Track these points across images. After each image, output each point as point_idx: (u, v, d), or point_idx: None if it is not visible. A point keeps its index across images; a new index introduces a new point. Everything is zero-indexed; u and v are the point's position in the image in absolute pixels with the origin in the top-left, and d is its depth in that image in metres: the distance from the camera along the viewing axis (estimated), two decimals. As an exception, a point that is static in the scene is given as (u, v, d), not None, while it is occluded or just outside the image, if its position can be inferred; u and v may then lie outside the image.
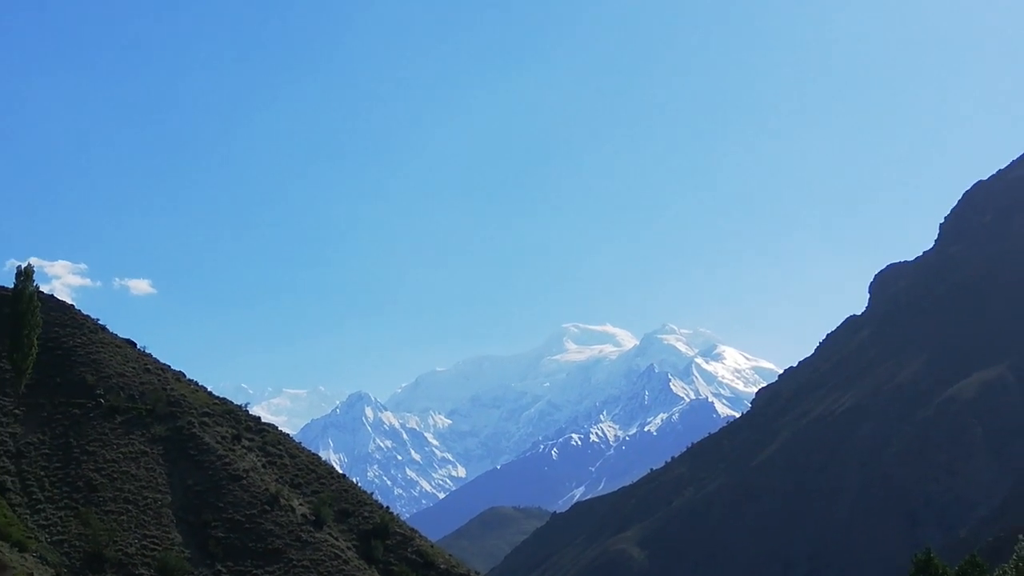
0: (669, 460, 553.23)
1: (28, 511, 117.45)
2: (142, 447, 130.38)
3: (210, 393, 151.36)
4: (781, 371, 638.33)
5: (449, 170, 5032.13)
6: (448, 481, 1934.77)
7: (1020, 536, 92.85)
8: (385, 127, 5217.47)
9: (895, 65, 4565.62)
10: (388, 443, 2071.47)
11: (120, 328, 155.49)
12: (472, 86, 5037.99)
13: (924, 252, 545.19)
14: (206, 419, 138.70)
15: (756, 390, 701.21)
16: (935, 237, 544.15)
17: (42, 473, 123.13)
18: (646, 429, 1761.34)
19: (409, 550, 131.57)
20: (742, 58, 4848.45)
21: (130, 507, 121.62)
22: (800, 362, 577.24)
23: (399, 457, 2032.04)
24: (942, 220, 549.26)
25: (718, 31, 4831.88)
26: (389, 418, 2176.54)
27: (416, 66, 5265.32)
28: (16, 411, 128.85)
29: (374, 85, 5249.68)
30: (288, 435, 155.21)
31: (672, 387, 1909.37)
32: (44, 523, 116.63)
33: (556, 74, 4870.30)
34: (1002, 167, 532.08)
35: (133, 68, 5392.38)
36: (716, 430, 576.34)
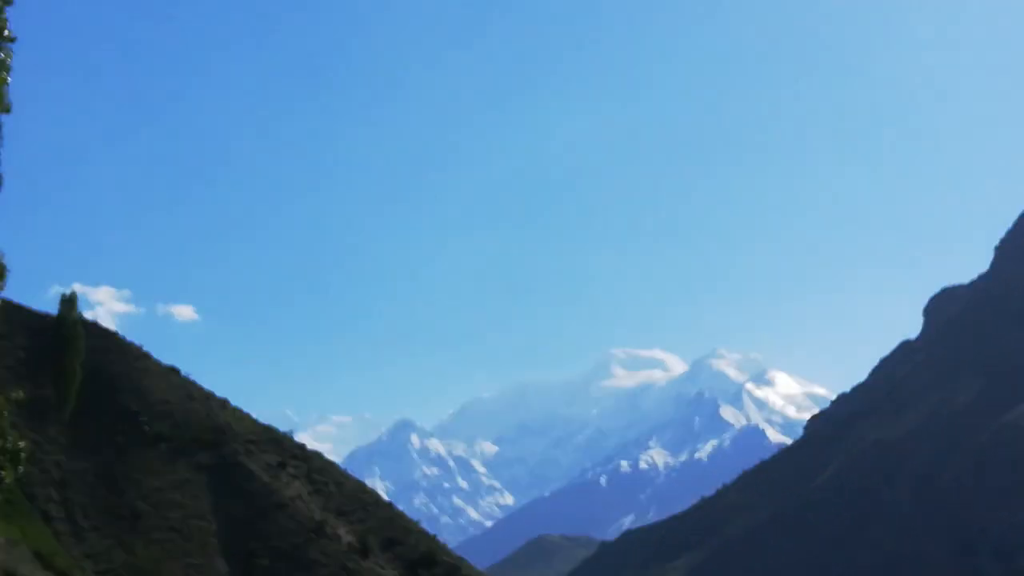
0: (720, 487, 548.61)
1: (73, 540, 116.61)
2: (187, 475, 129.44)
3: (255, 420, 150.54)
4: (834, 397, 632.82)
5: (495, 194, 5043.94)
6: (495, 509, 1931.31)
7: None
8: (428, 153, 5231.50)
9: (951, 83, 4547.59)
10: (434, 470, 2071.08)
11: (164, 355, 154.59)
12: (517, 107, 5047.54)
13: (979, 275, 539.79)
14: (251, 446, 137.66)
15: (808, 416, 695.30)
16: (990, 260, 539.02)
17: (87, 501, 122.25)
18: (696, 456, 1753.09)
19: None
20: (794, 80, 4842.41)
21: (174, 535, 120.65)
22: (853, 387, 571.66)
23: (446, 485, 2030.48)
24: (997, 243, 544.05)
25: (770, 52, 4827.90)
26: (435, 445, 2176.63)
27: (457, 87, 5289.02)
28: (60, 439, 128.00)
29: (418, 110, 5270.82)
30: (334, 462, 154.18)
31: (722, 413, 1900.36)
32: (89, 552, 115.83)
33: (604, 94, 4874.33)
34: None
35: (181, 98, 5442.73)
36: (768, 457, 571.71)
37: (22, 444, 29.32)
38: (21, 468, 29.75)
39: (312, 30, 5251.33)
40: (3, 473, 29.23)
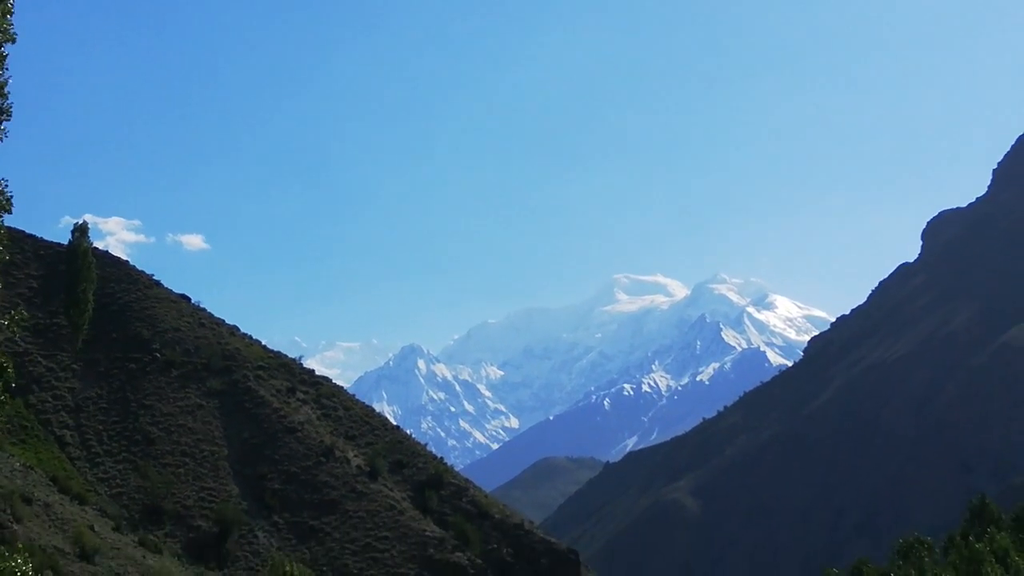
0: (721, 409, 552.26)
1: (87, 465, 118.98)
2: (198, 401, 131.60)
3: (264, 347, 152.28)
4: (833, 319, 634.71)
5: (499, 123, 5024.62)
6: (501, 432, 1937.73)
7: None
8: (434, 84, 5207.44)
9: (947, 11, 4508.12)
10: (441, 395, 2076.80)
11: (174, 283, 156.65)
12: (522, 39, 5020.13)
13: (977, 198, 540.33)
14: (261, 372, 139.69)
15: (808, 339, 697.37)
16: (988, 183, 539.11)
17: (100, 427, 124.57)
18: (698, 379, 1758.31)
19: (463, 500, 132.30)
20: (793, 13, 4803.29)
21: (187, 460, 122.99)
22: (852, 310, 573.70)
23: (452, 409, 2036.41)
24: (995, 166, 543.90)
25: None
26: (442, 370, 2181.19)
27: (464, 21, 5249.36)
28: (74, 366, 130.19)
29: (423, 44, 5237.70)
30: (342, 388, 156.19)
31: (724, 336, 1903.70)
32: (103, 476, 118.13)
33: (607, 23, 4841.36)
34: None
35: (187, 26, 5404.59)
36: (768, 379, 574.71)
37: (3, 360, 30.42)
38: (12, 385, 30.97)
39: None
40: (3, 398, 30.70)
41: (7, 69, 30.11)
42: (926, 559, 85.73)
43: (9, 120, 30.21)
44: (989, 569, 76.64)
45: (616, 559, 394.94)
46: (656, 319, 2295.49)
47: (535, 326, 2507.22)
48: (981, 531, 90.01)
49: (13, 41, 30.27)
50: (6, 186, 30.31)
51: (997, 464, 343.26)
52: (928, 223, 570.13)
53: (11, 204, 30.51)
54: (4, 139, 30.22)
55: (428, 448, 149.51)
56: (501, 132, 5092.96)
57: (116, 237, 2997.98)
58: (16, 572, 35.22)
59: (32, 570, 35.62)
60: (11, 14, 30.16)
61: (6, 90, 30.09)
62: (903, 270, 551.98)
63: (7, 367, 30.47)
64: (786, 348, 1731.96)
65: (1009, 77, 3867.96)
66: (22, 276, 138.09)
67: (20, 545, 36.83)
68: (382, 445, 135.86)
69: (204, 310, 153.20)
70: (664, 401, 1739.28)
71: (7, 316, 31.87)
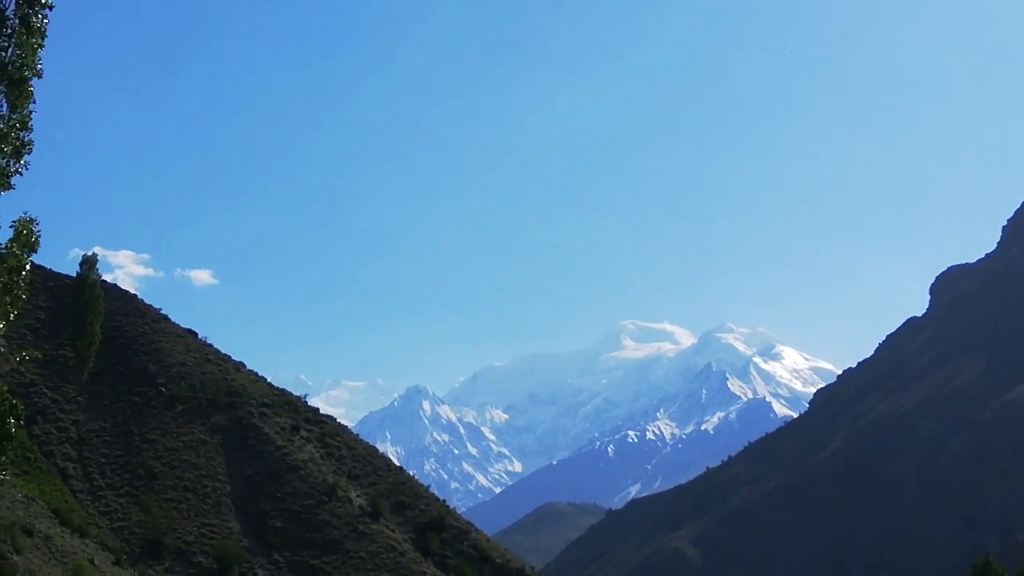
0: (726, 459, 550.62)
1: (89, 497, 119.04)
2: (202, 436, 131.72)
3: (270, 384, 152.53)
4: (840, 372, 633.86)
5: (509, 167, 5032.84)
6: (504, 476, 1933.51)
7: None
8: (445, 129, 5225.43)
9: (959, 64, 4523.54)
10: (445, 437, 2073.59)
11: (182, 318, 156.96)
12: (529, 83, 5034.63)
13: (987, 254, 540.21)
14: (265, 409, 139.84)
15: (814, 390, 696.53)
16: (998, 239, 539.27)
17: (103, 460, 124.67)
18: (703, 428, 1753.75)
19: (465, 543, 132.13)
20: (804, 52, 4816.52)
21: (189, 495, 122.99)
22: (859, 363, 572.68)
23: (456, 451, 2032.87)
24: (1005, 223, 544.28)
25: (778, 31, 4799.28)
26: (446, 412, 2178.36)
27: (476, 67, 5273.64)
28: (79, 398, 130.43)
29: (435, 88, 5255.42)
30: (346, 427, 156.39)
31: (730, 386, 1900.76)
32: (105, 509, 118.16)
33: (618, 72, 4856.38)
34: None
35: (201, 62, 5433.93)
36: (773, 430, 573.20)
37: (14, 401, 30.85)
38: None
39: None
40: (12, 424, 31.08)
41: (34, 103, 30.84)
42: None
43: (30, 154, 30.80)
44: (991, 627, 76.49)
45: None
46: (662, 367, 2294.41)
47: (541, 370, 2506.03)
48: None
49: (39, 76, 30.97)
50: (36, 225, 30.91)
51: (1001, 521, 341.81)
52: (937, 277, 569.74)
53: (39, 243, 31.06)
54: (25, 171, 30.84)
55: (431, 490, 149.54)
56: (512, 177, 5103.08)
57: (125, 270, 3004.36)
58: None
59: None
60: (42, 48, 30.83)
61: (30, 124, 30.72)
62: (911, 324, 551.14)
63: (19, 408, 30.83)
64: (792, 399, 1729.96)
65: (1021, 132, 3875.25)
66: (30, 307, 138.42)
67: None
68: (385, 486, 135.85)
69: (211, 345, 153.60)
70: (668, 449, 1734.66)
71: (18, 353, 32.49)
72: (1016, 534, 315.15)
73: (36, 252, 31.20)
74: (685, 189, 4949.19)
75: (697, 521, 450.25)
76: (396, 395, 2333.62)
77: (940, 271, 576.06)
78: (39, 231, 31.15)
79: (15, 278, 30.62)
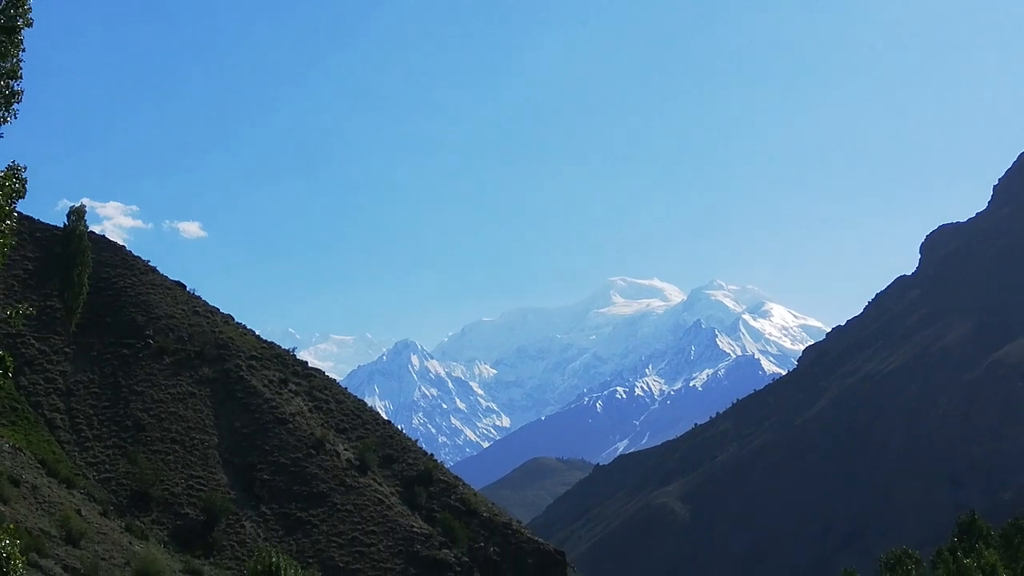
0: (714, 416, 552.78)
1: (76, 448, 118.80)
2: (190, 388, 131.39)
3: (258, 337, 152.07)
4: (829, 330, 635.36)
5: (501, 122, 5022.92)
6: (492, 431, 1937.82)
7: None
8: (435, 83, 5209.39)
9: (953, 24, 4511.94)
10: (433, 391, 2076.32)
11: (170, 270, 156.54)
12: (524, 40, 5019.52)
13: (977, 213, 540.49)
14: (254, 362, 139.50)
15: (803, 348, 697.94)
16: (988, 198, 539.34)
17: (91, 412, 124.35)
18: (691, 384, 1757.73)
19: (452, 498, 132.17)
20: (795, 21, 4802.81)
21: (177, 447, 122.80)
22: (848, 321, 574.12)
23: (444, 406, 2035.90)
24: (996, 182, 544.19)
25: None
26: (435, 367, 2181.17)
27: (466, 20, 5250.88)
28: (66, 350, 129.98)
29: (424, 42, 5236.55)
30: (334, 381, 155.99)
31: (719, 343, 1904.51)
32: (92, 461, 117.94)
33: (608, 27, 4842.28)
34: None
35: (190, 13, 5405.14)
36: (762, 387, 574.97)
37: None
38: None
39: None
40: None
41: (24, 51, 30.78)
42: (913, 573, 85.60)
43: (20, 103, 30.80)
44: (976, 584, 76.55)
45: (603, 561, 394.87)
46: (651, 323, 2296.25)
47: (530, 326, 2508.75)
48: (969, 546, 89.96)
49: (30, 25, 31.10)
50: (23, 172, 30.88)
51: (987, 479, 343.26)
52: (927, 236, 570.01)
53: (25, 190, 31.02)
54: (13, 121, 30.86)
55: (419, 444, 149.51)
56: (503, 131, 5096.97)
57: (113, 222, 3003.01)
58: (4, 552, 35.11)
59: (19, 550, 35.51)
60: None
61: (20, 73, 30.67)
62: (900, 283, 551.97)
63: (7, 359, 30.66)
64: (780, 357, 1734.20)
65: (1013, 93, 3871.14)
66: (17, 258, 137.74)
67: (11, 526, 36.58)
68: (373, 439, 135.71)
69: (199, 298, 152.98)
70: (656, 405, 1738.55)
71: (11, 308, 32.20)
72: (1002, 492, 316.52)
73: (23, 198, 31.06)
74: (677, 146, 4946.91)
75: (685, 477, 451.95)
76: (385, 349, 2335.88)
77: (930, 230, 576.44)
78: (26, 178, 31.08)
79: (0, 226, 30.48)
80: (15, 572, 34.97)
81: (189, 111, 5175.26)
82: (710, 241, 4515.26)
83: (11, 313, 32.34)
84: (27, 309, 32.88)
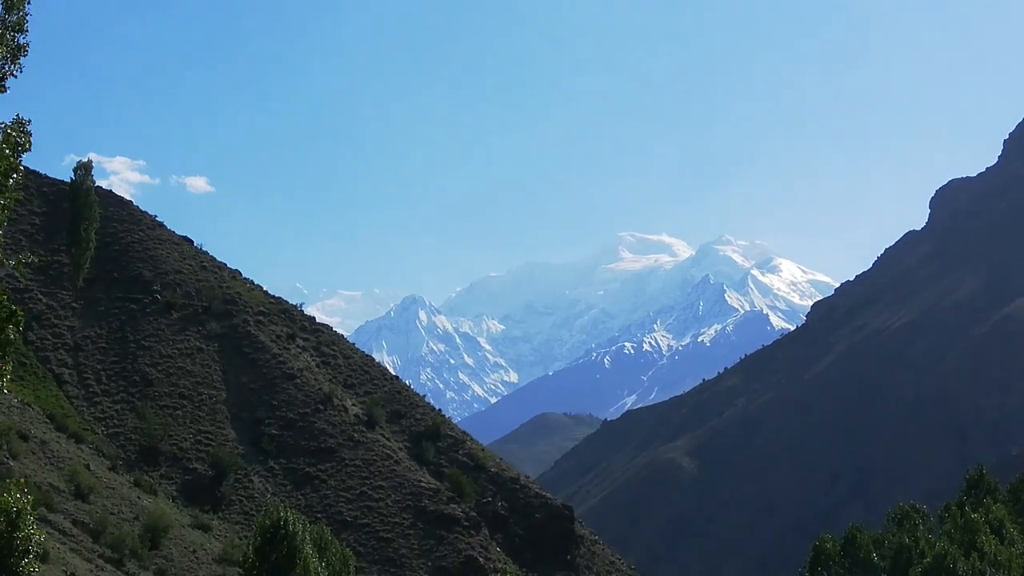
0: (722, 371, 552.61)
1: (85, 404, 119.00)
2: (198, 344, 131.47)
3: (265, 292, 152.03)
4: (837, 285, 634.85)
5: (509, 78, 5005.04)
6: (500, 386, 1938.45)
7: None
8: (444, 35, 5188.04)
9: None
10: (441, 347, 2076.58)
11: (177, 225, 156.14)
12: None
13: (987, 168, 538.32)
14: (261, 318, 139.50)
15: (811, 303, 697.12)
16: (999, 153, 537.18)
17: (99, 367, 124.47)
18: (699, 340, 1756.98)
19: (460, 453, 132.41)
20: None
21: (185, 403, 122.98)
22: (857, 276, 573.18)
23: (452, 361, 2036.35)
24: (1006, 136, 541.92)
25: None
26: (443, 322, 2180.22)
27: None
28: (74, 304, 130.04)
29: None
30: (342, 336, 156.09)
31: (727, 298, 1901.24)
32: (100, 416, 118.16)
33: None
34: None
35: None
36: (770, 342, 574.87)
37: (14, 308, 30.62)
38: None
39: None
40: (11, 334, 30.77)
41: (29, 3, 30.54)
42: (920, 527, 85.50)
43: (26, 56, 30.64)
44: (984, 539, 76.48)
45: (611, 516, 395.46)
46: (660, 278, 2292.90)
47: (537, 281, 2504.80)
48: (977, 501, 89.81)
49: None
50: (29, 125, 30.75)
51: (995, 434, 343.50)
52: (937, 191, 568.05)
53: (30, 143, 30.90)
54: (19, 74, 30.69)
55: (426, 399, 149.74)
56: (515, 86, 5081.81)
57: (120, 177, 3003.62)
58: (14, 507, 35.17)
59: (30, 505, 35.56)
60: None
61: (26, 26, 30.44)
62: (909, 238, 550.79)
63: (19, 314, 30.56)
64: (789, 312, 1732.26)
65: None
66: (24, 213, 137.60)
67: (21, 480, 36.59)
68: (380, 395, 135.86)
69: (206, 253, 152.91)
70: (664, 361, 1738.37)
71: (15, 258, 32.11)
72: (1010, 447, 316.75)
73: (29, 151, 30.90)
74: (686, 100, 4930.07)
75: (692, 432, 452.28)
76: (392, 305, 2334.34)
77: (940, 184, 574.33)
78: (31, 131, 30.93)
79: (7, 180, 30.31)
80: (26, 527, 35.03)
81: (196, 66, 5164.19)
82: (719, 196, 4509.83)
83: (15, 263, 32.24)
84: (30, 258, 32.79)
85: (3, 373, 29.89)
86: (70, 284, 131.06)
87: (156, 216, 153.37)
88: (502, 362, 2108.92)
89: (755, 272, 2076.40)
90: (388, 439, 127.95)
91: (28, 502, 35.15)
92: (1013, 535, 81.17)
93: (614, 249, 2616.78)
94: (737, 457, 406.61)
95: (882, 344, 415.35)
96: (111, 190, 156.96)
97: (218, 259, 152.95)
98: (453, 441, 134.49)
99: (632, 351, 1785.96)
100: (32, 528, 35.42)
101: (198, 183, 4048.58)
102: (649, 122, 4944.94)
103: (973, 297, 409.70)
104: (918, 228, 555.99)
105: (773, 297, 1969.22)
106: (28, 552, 35.16)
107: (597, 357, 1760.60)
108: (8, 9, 30.17)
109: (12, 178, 30.38)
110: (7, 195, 30.27)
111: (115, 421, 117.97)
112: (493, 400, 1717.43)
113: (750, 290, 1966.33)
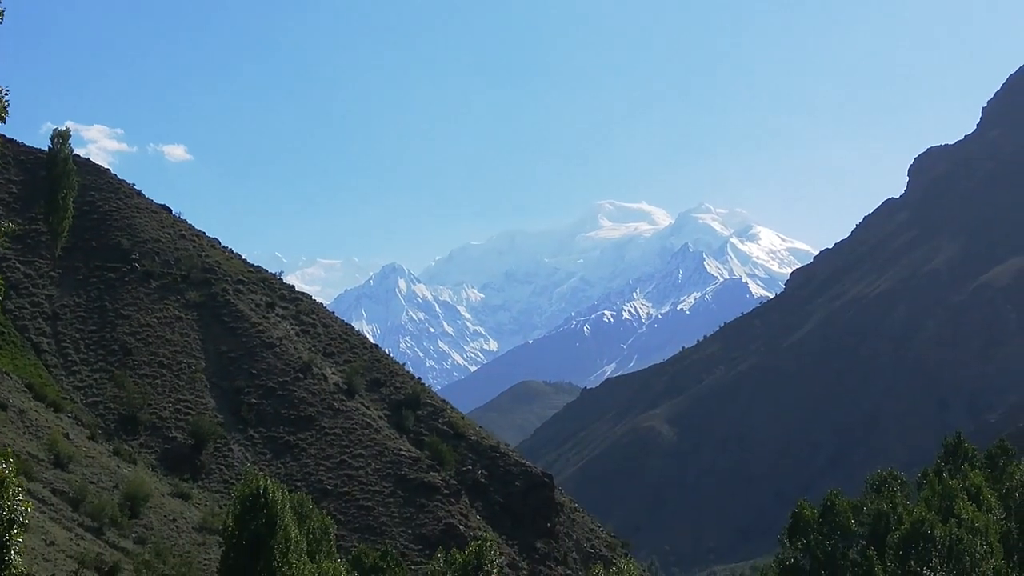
0: (701, 339, 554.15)
1: (63, 373, 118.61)
2: (176, 312, 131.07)
3: (244, 261, 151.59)
4: (816, 253, 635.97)
5: (488, 44, 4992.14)
6: (480, 354, 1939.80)
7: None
8: (421, 4, 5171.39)
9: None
10: (421, 315, 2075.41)
11: (156, 194, 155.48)
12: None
13: (965, 136, 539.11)
14: (240, 287, 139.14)
15: (791, 271, 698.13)
16: (977, 121, 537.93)
17: (77, 335, 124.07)
18: (679, 308, 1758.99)
19: (440, 421, 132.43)
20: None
21: (164, 371, 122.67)
22: (836, 244, 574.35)
23: (431, 329, 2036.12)
24: (984, 104, 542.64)
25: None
26: (422, 290, 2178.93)
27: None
28: (52, 273, 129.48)
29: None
30: (321, 304, 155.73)
31: (706, 266, 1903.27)
32: (79, 385, 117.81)
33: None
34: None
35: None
36: (749, 310, 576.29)
37: None
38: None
39: None
40: None
41: None
42: (899, 493, 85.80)
43: (1, 22, 30.23)
44: (961, 506, 76.78)
45: (591, 484, 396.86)
46: (639, 247, 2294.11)
47: (517, 249, 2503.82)
48: (955, 468, 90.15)
49: None
50: (6, 94, 30.35)
51: (973, 401, 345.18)
52: (915, 159, 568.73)
53: (7, 112, 30.49)
54: None
55: (406, 368, 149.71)
56: (493, 52, 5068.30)
57: (98, 145, 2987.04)
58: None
59: (14, 473, 35.29)
60: None
61: None
62: (888, 206, 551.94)
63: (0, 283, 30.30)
64: (768, 280, 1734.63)
65: (1003, 16, 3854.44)
66: (2, 181, 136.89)
67: (9, 449, 36.42)
68: (360, 363, 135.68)
69: (185, 222, 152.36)
70: (644, 329, 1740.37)
71: None
72: (987, 414, 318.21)
73: (4, 121, 30.56)
74: (665, 68, 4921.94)
75: (672, 400, 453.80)
76: (372, 273, 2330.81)
77: (918, 152, 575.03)
78: (7, 100, 30.51)
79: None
80: (13, 495, 34.73)
81: (174, 34, 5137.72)
82: (698, 164, 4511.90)
83: (-4, 230, 31.92)
84: (8, 226, 32.48)
85: None
86: (48, 253, 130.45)
87: (134, 184, 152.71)
88: (482, 330, 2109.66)
89: (734, 240, 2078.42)
90: (368, 408, 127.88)
91: (12, 471, 34.84)
92: (990, 501, 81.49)
93: (594, 217, 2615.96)
94: (717, 425, 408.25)
95: (860, 312, 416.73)
96: (89, 158, 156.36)
97: (197, 228, 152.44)
98: (433, 409, 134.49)
99: (612, 319, 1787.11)
100: (19, 498, 35.04)
101: (176, 151, 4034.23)
102: (629, 91, 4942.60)
103: (951, 265, 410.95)
104: (896, 196, 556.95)
105: (752, 265, 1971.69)
106: (14, 522, 34.83)
107: (577, 325, 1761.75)
108: (-20, -25, 29.83)
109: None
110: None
111: (94, 390, 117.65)
112: (473, 368, 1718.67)
113: (729, 258, 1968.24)
